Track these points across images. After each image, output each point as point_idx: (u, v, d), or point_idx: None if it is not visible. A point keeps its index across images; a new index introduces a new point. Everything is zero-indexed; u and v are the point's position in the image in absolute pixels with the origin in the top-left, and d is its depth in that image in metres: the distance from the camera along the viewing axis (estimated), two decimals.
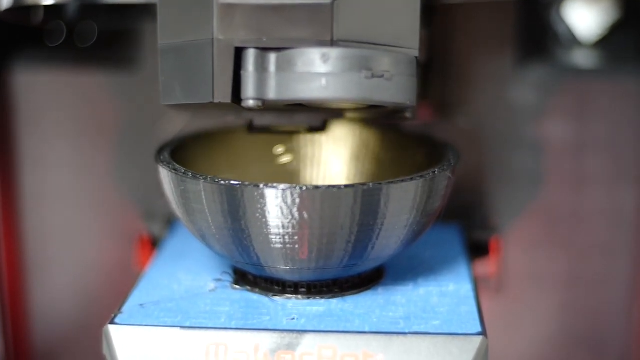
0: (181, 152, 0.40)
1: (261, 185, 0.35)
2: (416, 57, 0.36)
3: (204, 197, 0.36)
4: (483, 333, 0.35)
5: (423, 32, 0.38)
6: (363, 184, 0.35)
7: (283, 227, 0.35)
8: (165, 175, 0.38)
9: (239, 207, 0.35)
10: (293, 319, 0.36)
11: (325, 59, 0.34)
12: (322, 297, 0.38)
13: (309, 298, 0.38)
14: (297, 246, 0.36)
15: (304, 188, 0.34)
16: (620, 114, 0.50)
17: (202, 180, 0.36)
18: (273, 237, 0.35)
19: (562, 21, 0.50)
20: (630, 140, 0.50)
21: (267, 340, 0.35)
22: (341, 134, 0.46)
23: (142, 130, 0.50)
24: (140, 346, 0.35)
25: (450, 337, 0.35)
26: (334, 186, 0.35)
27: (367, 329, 0.35)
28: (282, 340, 0.35)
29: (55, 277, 0.53)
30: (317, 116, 0.40)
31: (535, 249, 0.51)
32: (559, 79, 0.50)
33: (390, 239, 0.37)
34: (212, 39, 0.34)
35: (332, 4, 0.34)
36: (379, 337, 0.35)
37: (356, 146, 0.45)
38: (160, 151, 0.40)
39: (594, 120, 0.50)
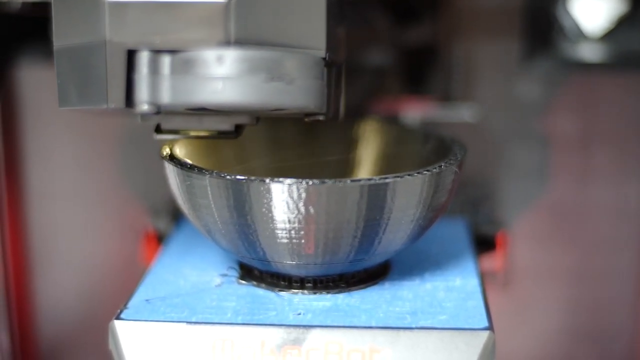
0: (186, 147, 0.40)
1: (267, 180, 0.35)
2: (324, 58, 0.34)
3: (209, 192, 0.36)
4: (490, 328, 0.35)
5: (341, 29, 0.37)
6: (369, 179, 0.35)
7: (289, 221, 0.35)
8: (170, 170, 0.38)
9: (245, 202, 0.35)
10: (299, 314, 0.36)
11: (221, 61, 0.32)
12: (328, 292, 0.38)
13: (315, 293, 0.38)
14: (303, 241, 0.36)
15: (310, 183, 0.34)
16: (627, 108, 0.50)
17: (208, 175, 0.36)
18: (279, 232, 0.35)
19: (569, 15, 0.50)
20: (637, 135, 0.50)
21: (274, 335, 0.35)
22: (347, 129, 0.45)
23: (147, 125, 0.50)
24: (147, 341, 0.35)
25: (457, 332, 0.35)
26: (340, 181, 0.35)
27: (373, 324, 0.35)
28: (289, 336, 0.35)
29: (61, 273, 0.53)
30: (230, 119, 0.37)
31: (542, 243, 0.51)
32: (566, 73, 0.50)
33: (396, 233, 0.37)
34: (104, 40, 0.33)
35: (228, 3, 0.32)
36: (385, 332, 0.35)
37: (362, 141, 0.45)
38: (165, 146, 0.40)
39: (600, 115, 0.50)
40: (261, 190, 0.35)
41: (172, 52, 0.32)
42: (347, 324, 0.35)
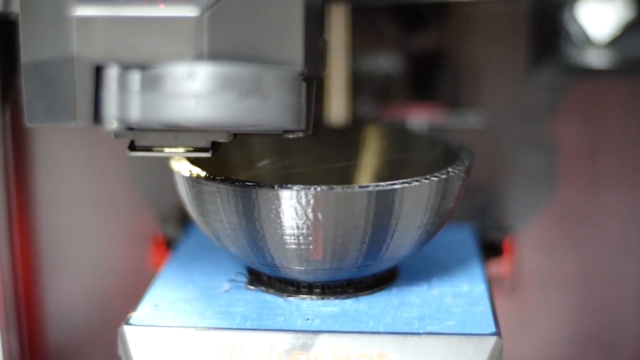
0: None
1: (275, 187, 0.35)
2: (302, 73, 0.32)
3: (218, 198, 0.36)
4: (497, 333, 0.35)
5: (321, 41, 0.36)
6: (377, 185, 0.35)
7: (297, 228, 0.35)
8: (179, 176, 0.38)
9: (253, 208, 0.35)
10: (307, 319, 0.36)
11: (193, 77, 0.30)
12: (336, 298, 0.38)
13: (323, 298, 0.38)
14: (311, 247, 0.36)
15: (318, 189, 0.35)
16: (634, 113, 0.50)
17: (217, 182, 0.36)
18: (287, 237, 0.36)
19: (575, 21, 0.50)
20: None
21: (282, 340, 0.35)
22: (354, 135, 0.46)
23: None
24: (156, 347, 0.35)
25: (464, 338, 0.35)
26: (348, 187, 0.35)
27: (381, 330, 0.35)
28: (297, 341, 0.35)
29: (70, 279, 0.53)
30: (206, 136, 0.35)
31: (549, 249, 0.51)
32: (573, 79, 0.50)
33: (404, 239, 0.37)
34: (71, 56, 0.32)
35: (201, 17, 0.31)
36: (393, 337, 0.35)
37: (370, 147, 0.45)
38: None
39: (607, 120, 0.50)
40: (270, 196, 0.35)
41: (142, 68, 0.31)
42: (355, 330, 0.35)
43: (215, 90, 0.30)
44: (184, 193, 0.38)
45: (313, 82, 0.35)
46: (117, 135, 0.34)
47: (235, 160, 0.43)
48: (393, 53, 0.51)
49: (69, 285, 0.53)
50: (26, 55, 0.33)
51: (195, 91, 0.30)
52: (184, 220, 0.49)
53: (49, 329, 0.54)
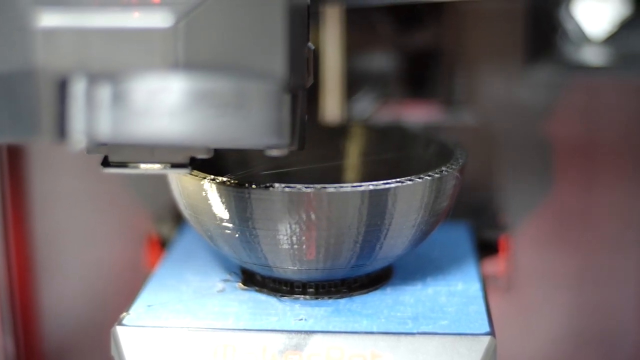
0: None
1: (268, 186, 0.35)
2: (286, 86, 0.30)
3: (211, 198, 0.36)
4: (491, 333, 0.35)
5: (306, 48, 0.34)
6: (370, 184, 0.35)
7: (291, 227, 0.35)
8: (173, 176, 0.38)
9: (246, 208, 0.35)
10: (301, 319, 0.36)
11: (167, 92, 0.28)
12: (330, 298, 0.38)
13: (317, 298, 0.38)
14: (304, 247, 0.36)
15: (312, 189, 0.34)
16: (630, 111, 0.50)
17: (210, 181, 0.36)
18: (281, 237, 0.35)
19: (572, 18, 0.50)
20: None
21: (275, 341, 0.35)
22: (348, 134, 0.45)
23: None
24: (149, 347, 0.35)
25: (458, 337, 0.35)
26: (341, 187, 0.35)
27: (375, 330, 0.35)
28: (290, 341, 0.35)
29: (65, 278, 0.53)
30: (184, 152, 0.33)
31: (545, 247, 0.51)
32: (569, 76, 0.50)
33: (398, 239, 0.37)
34: (34, 68, 0.29)
35: (174, 27, 0.29)
36: (386, 337, 0.35)
37: (363, 146, 0.45)
38: None
39: (604, 118, 0.50)
40: (262, 196, 0.35)
41: (112, 81, 0.29)
42: (348, 330, 0.35)
43: (192, 105, 0.28)
44: (177, 193, 0.38)
45: (298, 93, 0.33)
46: (88, 151, 0.32)
47: (228, 159, 0.43)
48: (389, 51, 0.51)
49: (63, 284, 0.53)
50: None
51: (169, 107, 0.28)
52: (178, 219, 0.49)
53: (44, 328, 0.54)
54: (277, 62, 0.30)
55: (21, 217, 0.52)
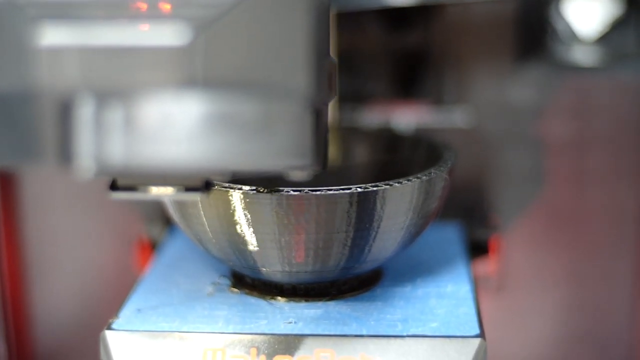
0: None
1: (256, 190, 0.35)
2: (310, 103, 0.28)
3: (199, 202, 0.36)
4: (481, 335, 0.35)
5: (330, 60, 0.32)
6: (359, 187, 0.35)
7: (279, 231, 0.35)
8: None
9: (234, 211, 0.35)
10: (290, 322, 0.36)
11: (183, 115, 0.26)
12: (319, 300, 0.38)
13: (306, 301, 0.38)
14: (293, 250, 0.36)
15: (300, 192, 0.34)
16: (621, 111, 0.50)
17: None
18: (269, 241, 0.35)
19: (562, 18, 0.50)
20: (632, 138, 0.50)
21: (265, 344, 0.35)
22: (338, 136, 0.45)
23: None
24: (138, 352, 0.35)
25: (448, 340, 0.35)
26: (329, 189, 0.35)
27: (364, 332, 0.35)
28: (280, 344, 0.35)
29: (56, 280, 0.53)
30: (199, 175, 0.31)
31: (537, 247, 0.51)
32: (559, 76, 0.50)
33: (387, 241, 0.37)
34: (38, 89, 0.27)
35: (191, 45, 0.27)
36: (376, 340, 0.35)
37: (353, 148, 0.45)
38: None
39: (594, 118, 0.50)
40: (250, 200, 0.35)
41: (123, 103, 0.27)
42: (338, 333, 0.35)
43: (211, 129, 0.26)
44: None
45: (322, 110, 0.30)
46: (96, 176, 0.29)
47: None
48: (378, 52, 0.50)
49: (54, 287, 0.53)
50: None
51: (186, 130, 0.26)
52: (168, 222, 0.48)
53: (36, 331, 0.54)
54: (302, 79, 0.27)
55: (12, 220, 0.52)
